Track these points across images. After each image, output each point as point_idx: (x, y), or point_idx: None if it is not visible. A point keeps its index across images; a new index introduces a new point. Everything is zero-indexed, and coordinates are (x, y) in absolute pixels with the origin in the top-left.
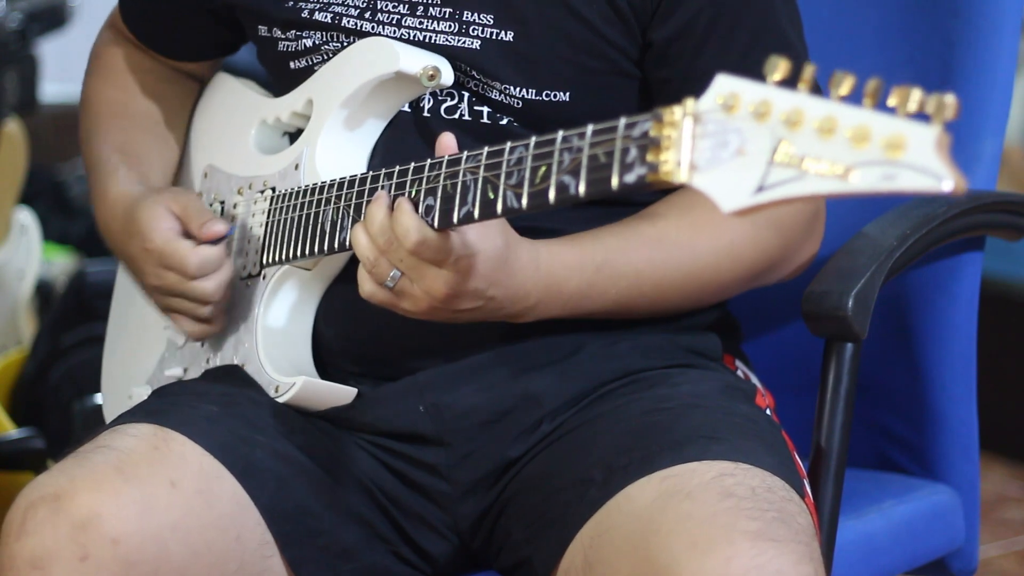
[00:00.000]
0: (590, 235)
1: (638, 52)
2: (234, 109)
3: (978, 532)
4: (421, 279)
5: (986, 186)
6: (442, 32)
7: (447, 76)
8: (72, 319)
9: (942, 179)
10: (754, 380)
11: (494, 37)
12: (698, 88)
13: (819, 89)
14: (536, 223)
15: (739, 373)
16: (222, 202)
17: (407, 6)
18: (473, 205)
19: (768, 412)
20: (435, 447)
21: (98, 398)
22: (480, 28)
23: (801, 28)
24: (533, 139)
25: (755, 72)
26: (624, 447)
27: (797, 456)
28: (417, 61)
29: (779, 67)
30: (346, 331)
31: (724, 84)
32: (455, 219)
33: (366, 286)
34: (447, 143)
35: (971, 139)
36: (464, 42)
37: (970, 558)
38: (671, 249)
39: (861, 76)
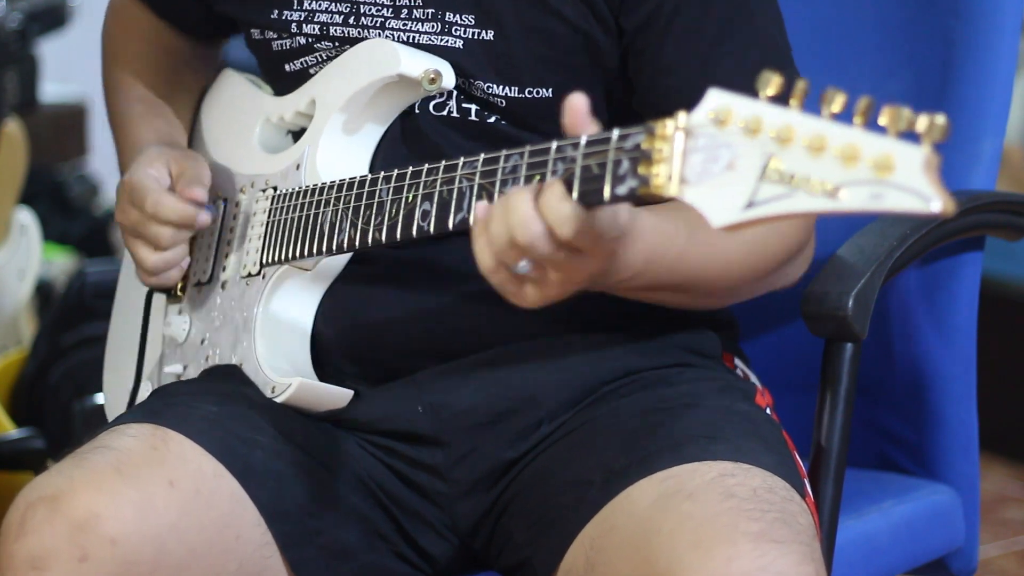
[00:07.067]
0: (670, 206)
1: (616, 46)
2: (239, 106)
3: (978, 532)
4: (566, 269)
5: (986, 186)
6: (425, 33)
7: (448, 79)
8: (72, 319)
9: (930, 200)
10: (753, 379)
11: (475, 37)
12: (667, 81)
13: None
14: None
15: (738, 372)
16: (225, 199)
17: (390, 9)
18: (468, 211)
19: (768, 411)
20: (433, 447)
21: (98, 398)
22: (462, 28)
23: (782, 21)
24: (528, 147)
25: (727, 66)
26: (624, 448)
27: (797, 455)
28: (419, 64)
29: (771, 83)
30: (345, 332)
31: (716, 98)
32: (450, 225)
33: (488, 262)
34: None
35: (971, 139)
36: (447, 41)
37: (970, 558)
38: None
39: (861, 76)
